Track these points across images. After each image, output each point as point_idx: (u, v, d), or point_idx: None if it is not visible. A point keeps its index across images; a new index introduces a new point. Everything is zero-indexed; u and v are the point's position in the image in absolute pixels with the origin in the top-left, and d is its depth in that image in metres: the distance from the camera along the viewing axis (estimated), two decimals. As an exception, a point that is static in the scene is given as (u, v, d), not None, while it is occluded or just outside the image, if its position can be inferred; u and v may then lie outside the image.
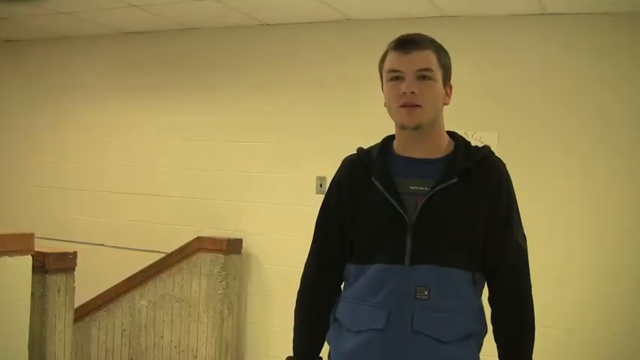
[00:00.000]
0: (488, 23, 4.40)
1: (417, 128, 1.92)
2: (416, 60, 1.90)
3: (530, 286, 1.97)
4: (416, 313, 1.83)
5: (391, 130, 2.10)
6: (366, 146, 2.13)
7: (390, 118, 2.03)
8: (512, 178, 3.65)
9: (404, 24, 4.58)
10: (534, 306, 1.99)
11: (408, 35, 1.96)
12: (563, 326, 4.10)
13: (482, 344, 1.96)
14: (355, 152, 2.10)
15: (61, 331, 3.19)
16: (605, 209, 4.09)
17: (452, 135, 2.06)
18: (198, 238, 4.95)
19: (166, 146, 5.44)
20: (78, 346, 5.09)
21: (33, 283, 3.04)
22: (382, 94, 2.02)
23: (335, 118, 4.77)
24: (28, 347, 3.03)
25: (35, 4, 4.83)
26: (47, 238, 4.73)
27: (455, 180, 1.89)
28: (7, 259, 2.88)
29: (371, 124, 4.46)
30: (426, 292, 1.83)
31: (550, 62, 4.25)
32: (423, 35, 1.98)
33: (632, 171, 4.05)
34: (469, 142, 2.04)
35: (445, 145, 2.00)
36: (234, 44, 5.21)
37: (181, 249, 4.99)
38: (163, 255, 5.08)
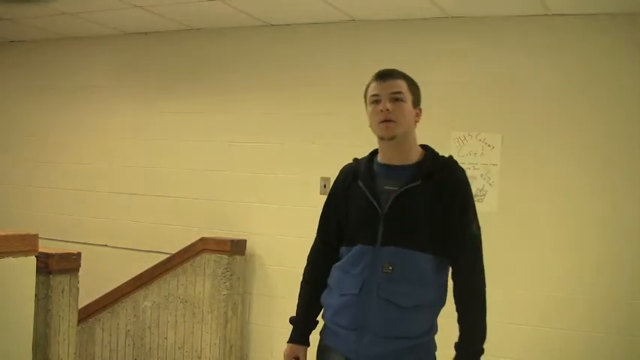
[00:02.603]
0: (492, 24, 4.40)
1: (392, 139, 2.43)
2: (390, 86, 2.43)
3: (483, 266, 2.44)
4: (381, 284, 2.36)
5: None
6: (366, 147, 2.65)
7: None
8: (515, 178, 3.82)
9: (407, 25, 4.61)
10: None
11: (385, 69, 2.48)
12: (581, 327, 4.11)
13: (438, 312, 2.46)
14: (352, 162, 2.65)
15: (65, 331, 3.19)
16: (610, 208, 4.09)
17: (424, 147, 2.55)
18: (202, 239, 4.96)
19: (169, 147, 5.45)
20: (82, 347, 5.10)
21: (37, 283, 3.03)
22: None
23: (339, 119, 4.77)
24: (32, 348, 3.03)
25: (40, 4, 4.84)
26: (51, 239, 4.76)
27: (419, 182, 2.40)
28: (11, 259, 2.87)
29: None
30: (391, 268, 2.36)
31: (554, 63, 4.25)
32: (397, 70, 2.49)
33: (638, 170, 4.05)
34: (437, 153, 2.53)
35: (417, 155, 2.50)
36: (238, 45, 5.21)
37: (185, 250, 4.99)
38: (167, 256, 5.09)
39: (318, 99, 4.89)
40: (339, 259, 2.55)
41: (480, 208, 4.31)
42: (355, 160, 2.64)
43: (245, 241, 5.02)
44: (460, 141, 4.44)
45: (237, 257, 4.93)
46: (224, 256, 4.86)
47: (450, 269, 2.46)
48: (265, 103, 5.08)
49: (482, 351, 2.37)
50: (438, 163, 2.46)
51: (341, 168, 2.66)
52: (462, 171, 2.48)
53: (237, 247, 4.93)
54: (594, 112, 4.15)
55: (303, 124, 4.94)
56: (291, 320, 2.66)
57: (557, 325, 4.13)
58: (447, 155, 2.54)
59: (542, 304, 4.19)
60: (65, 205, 5.85)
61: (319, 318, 2.62)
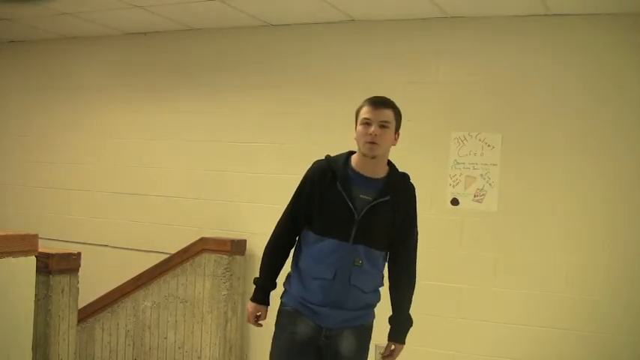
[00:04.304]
0: (492, 24, 4.39)
1: (373, 157, 2.93)
2: (381, 114, 2.90)
3: (416, 260, 3.09)
4: (353, 274, 2.92)
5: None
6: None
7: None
8: (515, 178, 3.89)
9: (407, 25, 4.60)
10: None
11: (379, 97, 2.97)
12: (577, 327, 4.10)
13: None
14: (324, 158, 3.07)
15: (65, 331, 3.19)
16: (615, 207, 4.08)
17: (388, 162, 3.06)
18: (202, 239, 4.96)
19: (169, 147, 5.45)
20: (82, 347, 5.10)
21: (37, 283, 3.02)
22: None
23: (339, 118, 4.75)
24: (32, 348, 3.02)
25: (40, 4, 4.84)
26: (51, 239, 4.75)
27: (388, 197, 2.94)
28: (11, 259, 2.87)
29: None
30: (361, 262, 2.92)
31: (554, 63, 4.24)
32: (388, 99, 2.97)
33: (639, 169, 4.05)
34: (397, 169, 3.06)
35: (384, 170, 3.01)
36: (238, 45, 5.21)
37: (185, 250, 4.99)
38: (167, 256, 5.09)
39: (318, 99, 4.89)
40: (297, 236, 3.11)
41: (480, 208, 4.39)
42: (327, 157, 3.06)
43: (245, 241, 5.01)
44: (460, 141, 4.44)
45: (237, 257, 4.93)
46: (224, 256, 4.86)
47: (392, 260, 3.08)
48: (265, 103, 5.08)
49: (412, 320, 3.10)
50: (401, 182, 3.02)
51: (314, 163, 3.06)
52: (414, 187, 3.07)
53: (237, 247, 4.93)
54: (595, 110, 4.14)
55: (303, 124, 4.94)
56: (255, 281, 3.17)
57: (561, 326, 4.12)
58: (403, 171, 3.07)
59: (544, 305, 4.18)
60: (65, 205, 5.85)
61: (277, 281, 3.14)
